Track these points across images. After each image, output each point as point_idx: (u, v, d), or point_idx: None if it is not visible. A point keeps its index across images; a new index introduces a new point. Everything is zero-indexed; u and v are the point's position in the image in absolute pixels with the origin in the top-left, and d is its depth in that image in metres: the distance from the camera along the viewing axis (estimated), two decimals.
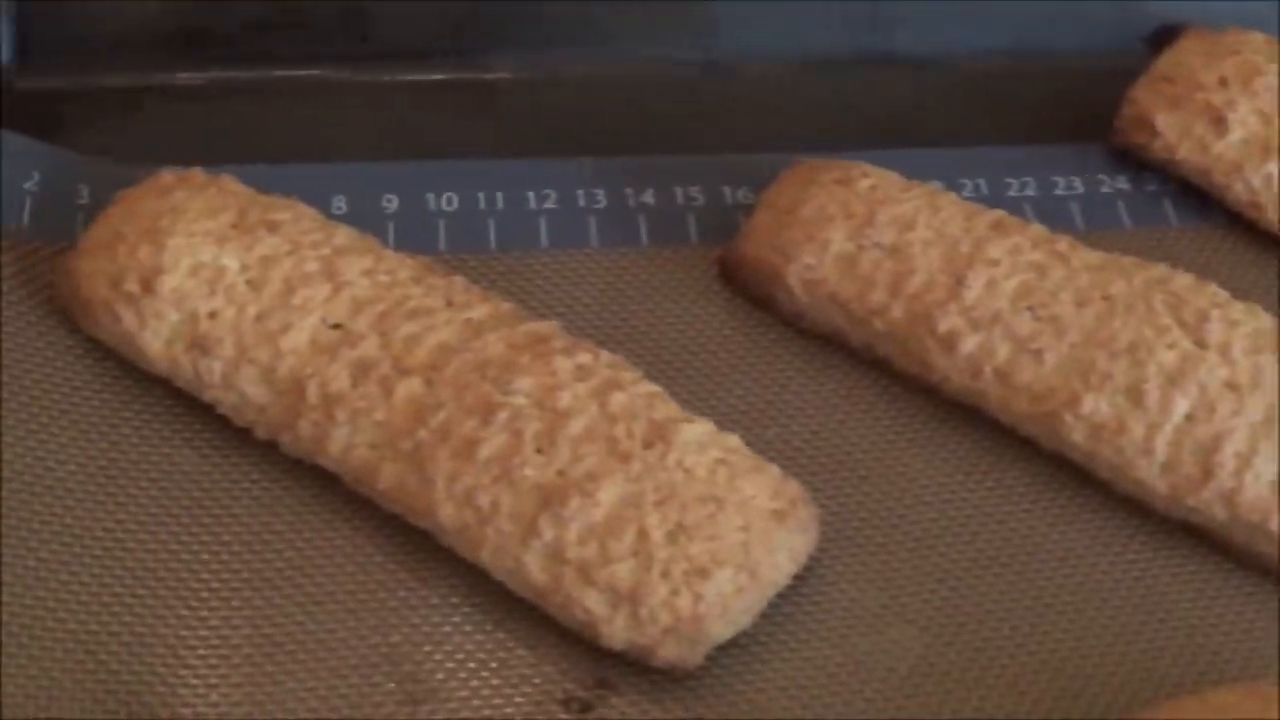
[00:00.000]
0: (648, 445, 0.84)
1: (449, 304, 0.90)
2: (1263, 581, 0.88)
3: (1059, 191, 1.05)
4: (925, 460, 0.92)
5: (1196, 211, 1.05)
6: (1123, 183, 1.06)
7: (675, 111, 1.12)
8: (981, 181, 1.03)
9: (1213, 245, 1.00)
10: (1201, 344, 0.89)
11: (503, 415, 0.84)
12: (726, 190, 1.04)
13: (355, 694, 0.82)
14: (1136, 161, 1.07)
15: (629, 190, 1.03)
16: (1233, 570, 0.88)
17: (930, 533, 0.89)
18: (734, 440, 0.87)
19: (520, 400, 0.85)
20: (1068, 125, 1.10)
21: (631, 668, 0.83)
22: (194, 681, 0.82)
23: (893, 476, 0.91)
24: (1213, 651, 0.85)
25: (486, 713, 0.82)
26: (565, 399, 0.85)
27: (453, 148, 1.06)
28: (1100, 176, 1.06)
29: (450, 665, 0.84)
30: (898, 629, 0.85)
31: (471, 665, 0.84)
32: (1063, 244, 0.94)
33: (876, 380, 0.95)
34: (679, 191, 1.03)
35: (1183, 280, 0.92)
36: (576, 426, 0.84)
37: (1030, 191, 1.05)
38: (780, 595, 0.86)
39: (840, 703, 0.83)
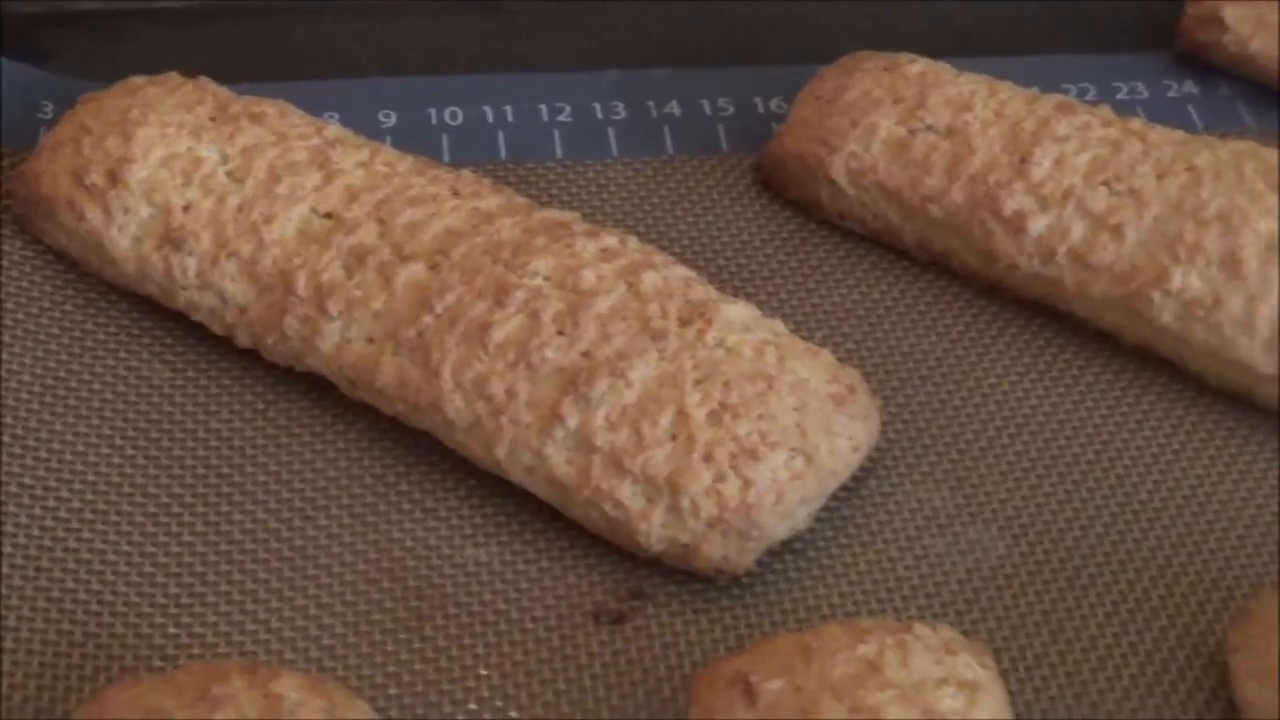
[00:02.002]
0: (685, 323, 0.74)
1: (455, 193, 0.80)
2: None
3: (1122, 97, 0.96)
4: (994, 359, 0.82)
5: (1274, 111, 0.94)
6: (1190, 87, 0.97)
7: (700, 28, 1.02)
8: (1036, 90, 0.92)
9: None
10: None
11: (518, 296, 0.74)
12: (759, 101, 0.94)
13: (351, 612, 0.71)
14: (1204, 66, 0.97)
15: (651, 102, 0.94)
16: None
17: (1005, 432, 0.79)
18: (780, 325, 0.76)
19: (538, 281, 0.75)
20: (1126, 34, 1.00)
21: (671, 577, 0.73)
22: (162, 600, 0.71)
23: (959, 376, 0.81)
24: None
25: (503, 627, 0.71)
26: (589, 279, 0.75)
27: (455, 64, 0.96)
28: (1166, 81, 0.97)
29: (461, 579, 0.73)
30: (975, 529, 0.74)
31: (485, 577, 0.73)
32: (1135, 123, 0.84)
33: (934, 280, 0.85)
34: (706, 103, 0.94)
35: (1272, 153, 0.82)
36: (603, 305, 0.74)
37: (1090, 98, 0.95)
38: (839, 497, 0.75)
39: (913, 609, 0.72)
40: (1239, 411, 0.79)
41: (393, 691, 0.69)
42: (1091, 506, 0.75)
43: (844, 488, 0.75)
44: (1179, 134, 0.83)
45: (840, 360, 0.78)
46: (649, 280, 0.75)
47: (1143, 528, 0.75)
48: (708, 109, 0.94)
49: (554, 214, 0.79)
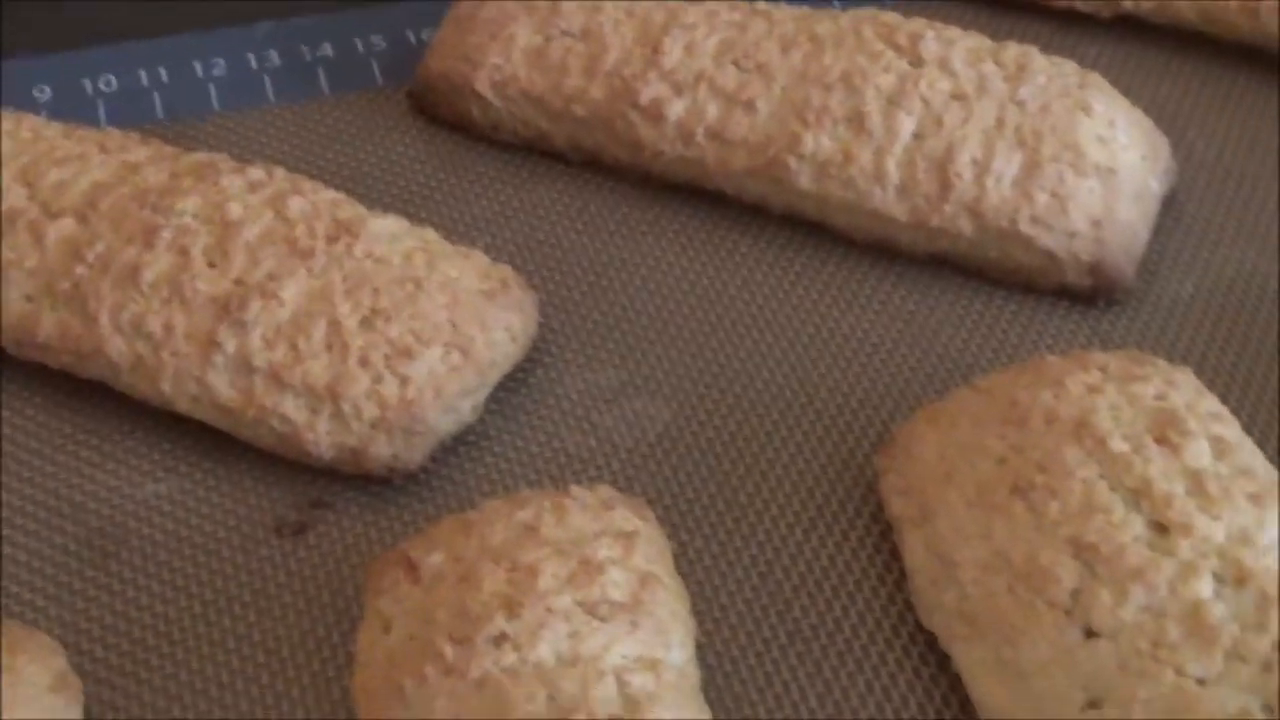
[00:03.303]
0: (332, 240, 0.76)
1: (103, 150, 0.81)
2: (1014, 293, 0.81)
3: None
4: (651, 244, 0.85)
5: None
6: None
7: None
8: None
9: None
10: (918, 62, 0.82)
11: (166, 235, 0.76)
12: (410, 34, 0.96)
13: (36, 558, 0.73)
14: None
15: (304, 47, 0.95)
16: (983, 288, 0.81)
17: (665, 309, 0.82)
18: (431, 233, 0.79)
19: (186, 219, 0.77)
20: None
21: (350, 483, 0.74)
22: None
23: (618, 264, 0.84)
24: (968, 365, 0.78)
25: (187, 552, 0.72)
26: (235, 210, 0.76)
27: (108, 35, 0.97)
28: None
29: (143, 513, 0.74)
30: (641, 401, 0.77)
31: (167, 508, 0.74)
32: (760, 4, 0.88)
33: (589, 179, 0.88)
34: (359, 42, 0.96)
35: (892, 15, 0.86)
36: (250, 234, 0.76)
37: None
38: (509, 387, 0.78)
39: (584, 480, 0.74)
40: (885, 263, 0.83)
41: (82, 625, 0.70)
42: (750, 367, 0.79)
43: (512, 379, 0.77)
44: (802, 9, 0.86)
45: (499, 262, 0.80)
46: (296, 205, 0.77)
47: (799, 379, 0.78)
48: (360, 47, 0.96)
49: (201, 156, 0.81)
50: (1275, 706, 0.59)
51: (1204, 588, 0.62)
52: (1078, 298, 0.81)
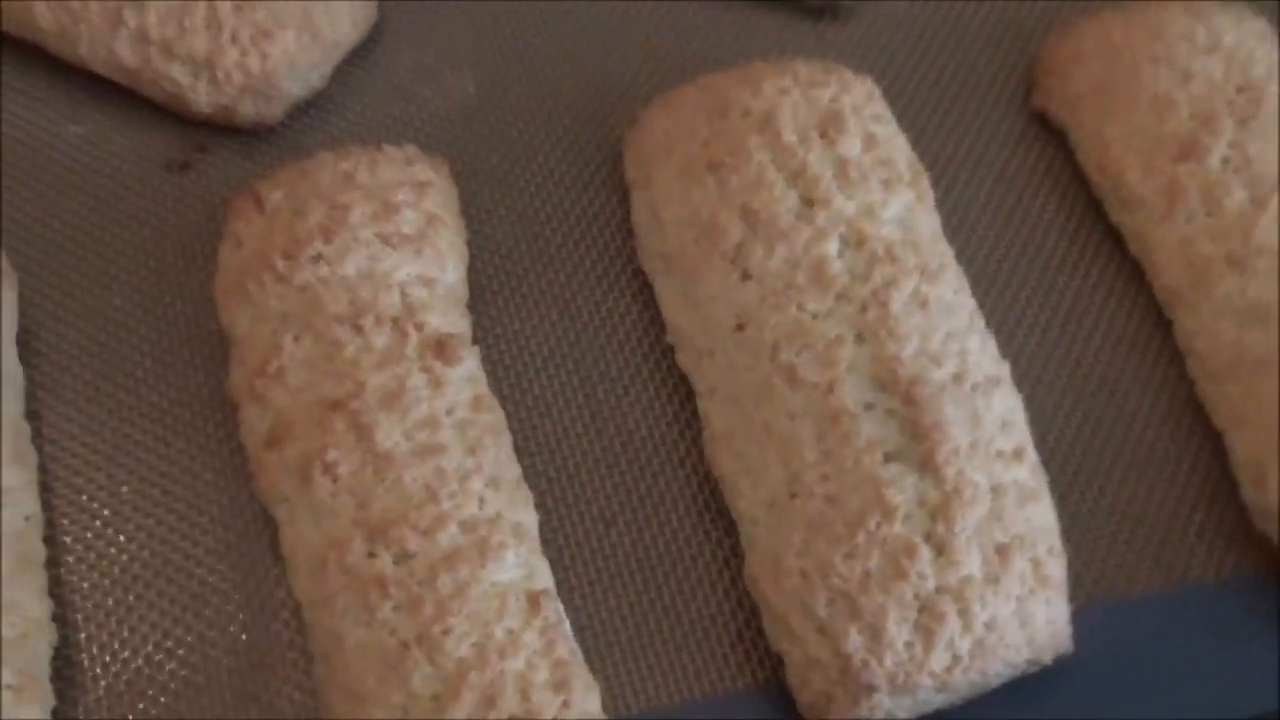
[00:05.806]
0: None
1: None
2: (761, 6, 1.02)
3: None
4: None
5: None
6: None
7: None
8: None
9: None
10: None
11: None
12: None
13: None
14: None
15: None
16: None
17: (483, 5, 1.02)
18: None
19: None
20: None
21: (225, 133, 0.96)
22: None
23: None
24: (711, 65, 0.99)
25: (100, 180, 0.95)
26: None
27: None
28: None
29: (66, 149, 0.96)
30: (454, 76, 0.99)
31: (85, 146, 0.97)
32: None
33: None
34: None
35: None
36: None
37: None
38: (353, 63, 0.99)
39: (404, 137, 0.96)
40: None
41: (16, 230, 0.93)
42: (542, 39, 1.00)
43: (355, 57, 0.99)
44: None
45: None
46: None
47: (575, 70, 1.00)
48: None
49: None
50: (863, 335, 0.82)
51: (830, 248, 0.85)
52: (809, 11, 1.02)
